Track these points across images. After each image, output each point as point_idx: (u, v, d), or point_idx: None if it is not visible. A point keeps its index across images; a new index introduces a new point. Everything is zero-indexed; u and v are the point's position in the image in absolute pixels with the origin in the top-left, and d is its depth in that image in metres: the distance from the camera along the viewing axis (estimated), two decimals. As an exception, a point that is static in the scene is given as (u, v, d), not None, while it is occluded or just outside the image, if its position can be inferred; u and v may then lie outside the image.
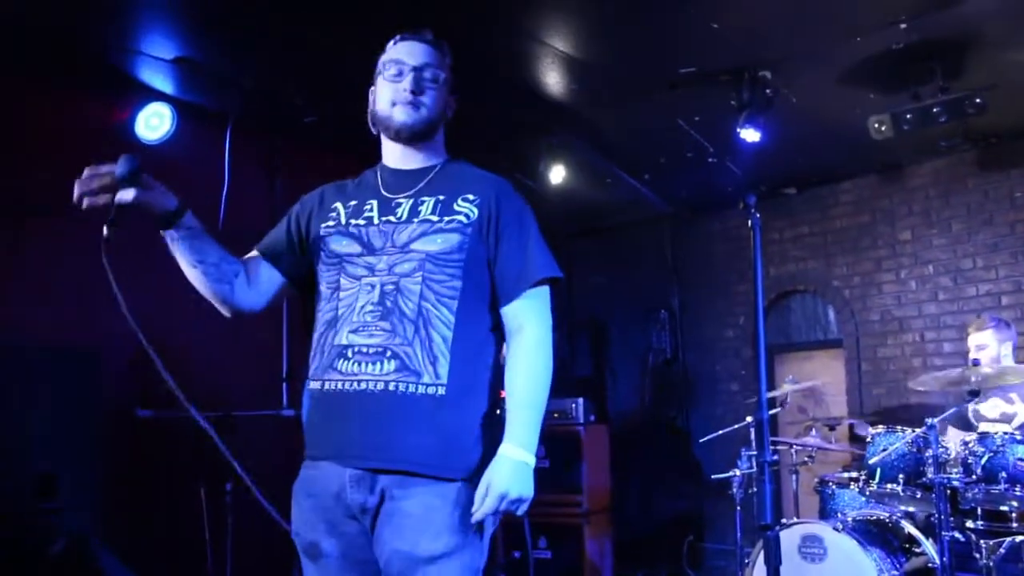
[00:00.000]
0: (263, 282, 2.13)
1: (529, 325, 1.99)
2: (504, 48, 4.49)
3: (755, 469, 4.62)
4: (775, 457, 4.37)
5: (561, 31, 4.31)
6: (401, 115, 2.04)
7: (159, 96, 4.78)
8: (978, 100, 4.39)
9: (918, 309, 6.04)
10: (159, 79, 4.73)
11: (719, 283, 7.19)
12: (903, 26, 4.12)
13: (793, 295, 6.88)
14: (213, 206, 4.97)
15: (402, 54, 2.07)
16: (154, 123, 4.76)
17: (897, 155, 5.94)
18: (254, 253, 2.16)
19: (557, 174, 5.90)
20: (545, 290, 2.03)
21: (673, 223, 7.42)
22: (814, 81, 4.81)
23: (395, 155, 2.13)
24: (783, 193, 6.71)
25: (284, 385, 5.23)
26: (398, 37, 2.13)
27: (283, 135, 5.31)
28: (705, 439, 5.06)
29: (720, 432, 4.98)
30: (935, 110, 4.49)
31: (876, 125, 4.74)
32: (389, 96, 2.06)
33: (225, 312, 2.12)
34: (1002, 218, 5.70)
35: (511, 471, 1.85)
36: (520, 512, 1.88)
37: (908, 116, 4.57)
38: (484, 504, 1.83)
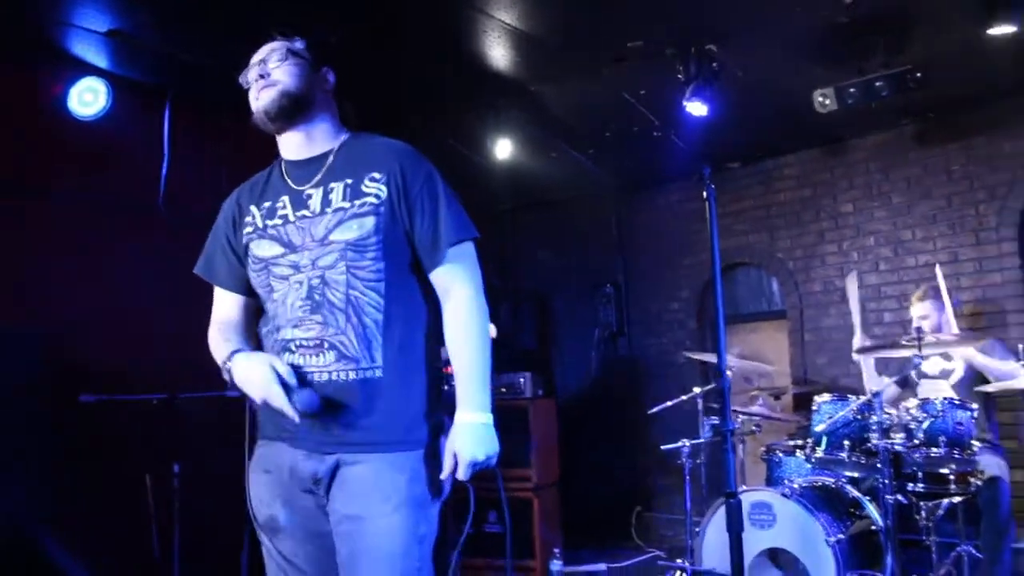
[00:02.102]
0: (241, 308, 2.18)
1: (456, 287, 2.03)
2: (450, 21, 4.44)
3: (703, 440, 4.70)
4: (737, 425, 4.45)
5: (506, 3, 4.27)
6: (258, 103, 2.05)
7: (93, 71, 4.63)
8: (919, 75, 4.47)
9: (860, 280, 6.15)
10: (92, 53, 4.58)
11: (664, 257, 7.25)
12: (848, 0, 4.16)
13: (738, 268, 6.97)
14: (152, 185, 4.85)
15: (252, 60, 2.11)
16: (87, 99, 4.64)
17: (840, 129, 6.03)
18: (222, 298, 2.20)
19: (503, 148, 5.87)
20: (467, 248, 2.06)
21: (618, 197, 7.45)
22: (760, 55, 4.85)
23: (289, 146, 2.13)
24: (727, 167, 6.77)
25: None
26: None
27: (224, 111, 5.17)
28: (653, 411, 5.09)
29: (668, 403, 5.03)
30: (878, 84, 4.56)
31: (820, 99, 4.80)
32: (251, 99, 2.08)
33: None
34: (940, 191, 5.82)
35: (472, 436, 1.93)
36: (492, 465, 1.95)
37: (852, 90, 4.64)
38: (457, 473, 1.91)
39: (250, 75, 2.07)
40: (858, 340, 4.85)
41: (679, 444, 4.57)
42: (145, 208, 4.80)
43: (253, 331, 2.12)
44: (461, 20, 4.43)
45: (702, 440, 4.73)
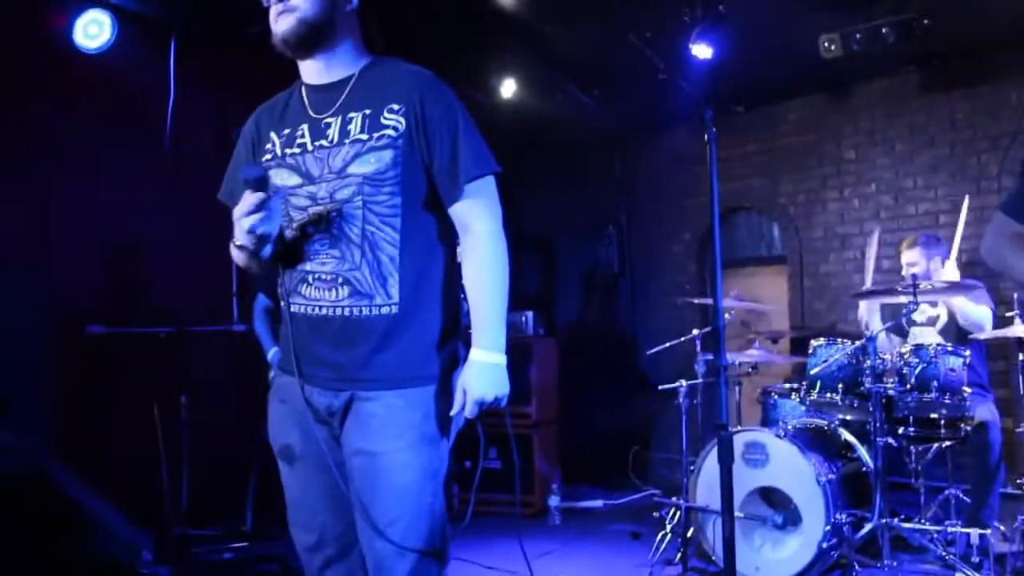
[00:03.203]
0: None
1: (475, 221, 2.00)
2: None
3: (701, 378, 4.79)
4: (732, 361, 4.52)
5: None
6: (277, 29, 1.99)
7: (97, 2, 4.60)
8: (925, 21, 4.48)
9: (860, 227, 6.19)
10: (96, -16, 4.54)
11: (667, 199, 7.27)
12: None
13: (739, 212, 7.00)
14: (158, 120, 4.85)
15: None
16: (92, 31, 4.60)
17: (843, 75, 6.00)
18: None
19: (508, 88, 5.87)
20: (488, 182, 2.02)
21: (623, 139, 7.44)
22: (766, -2, 4.83)
23: (309, 71, 2.08)
24: (732, 111, 6.75)
25: (234, 300, 5.22)
26: None
27: (230, 46, 5.14)
28: (652, 351, 5.16)
29: (667, 344, 5.10)
30: (884, 30, 4.57)
31: (826, 44, 4.81)
32: (271, 22, 2.01)
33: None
34: (943, 139, 5.83)
35: (483, 375, 1.93)
36: (503, 405, 1.97)
37: (858, 36, 4.65)
38: (465, 410, 1.93)
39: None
40: (864, 307, 4.89)
41: (676, 384, 4.64)
42: (151, 143, 4.80)
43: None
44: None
45: (699, 381, 4.81)
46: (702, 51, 4.84)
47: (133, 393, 4.48)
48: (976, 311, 4.43)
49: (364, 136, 1.95)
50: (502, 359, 1.97)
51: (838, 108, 6.35)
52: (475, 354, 1.96)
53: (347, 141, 1.96)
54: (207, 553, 4.41)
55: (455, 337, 2.06)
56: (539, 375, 5.90)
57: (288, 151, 2.02)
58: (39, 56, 4.48)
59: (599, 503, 5.85)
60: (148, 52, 4.82)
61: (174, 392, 4.33)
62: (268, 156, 2.05)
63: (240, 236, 1.91)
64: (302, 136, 2.02)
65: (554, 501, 5.46)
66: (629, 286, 7.54)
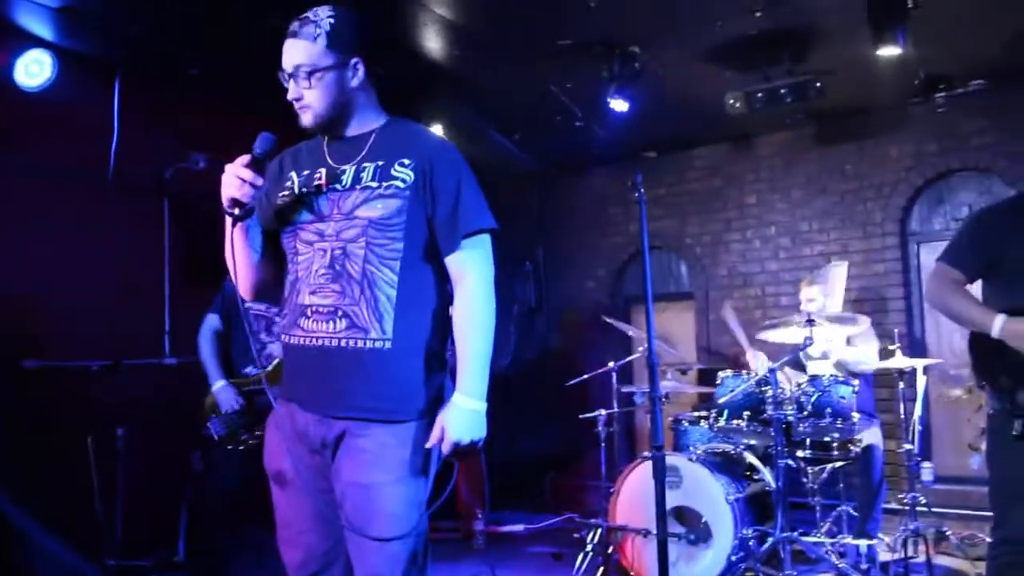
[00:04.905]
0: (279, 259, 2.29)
1: (467, 274, 2.14)
2: (388, 9, 4.60)
3: (617, 410, 5.11)
4: (665, 392, 4.87)
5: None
6: (302, 120, 2.18)
7: (39, 43, 4.69)
8: (818, 84, 4.96)
9: (761, 266, 6.69)
10: (38, 25, 4.62)
11: (582, 238, 7.64)
12: (758, 14, 4.60)
13: (650, 251, 7.37)
14: (98, 156, 4.94)
15: (283, 59, 2.15)
16: (34, 70, 4.66)
17: (747, 127, 6.52)
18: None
19: (435, 131, 6.14)
20: (483, 239, 2.18)
21: (541, 180, 7.78)
22: (678, 58, 5.25)
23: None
24: (644, 156, 7.21)
25: (166, 337, 5.29)
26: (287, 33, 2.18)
27: (170, 87, 5.29)
28: (572, 382, 5.37)
29: (585, 376, 5.36)
30: (782, 91, 5.03)
31: (731, 102, 5.24)
32: (293, 104, 2.19)
33: (247, 293, 2.26)
34: (834, 187, 6.39)
35: (462, 420, 2.06)
36: (479, 447, 2.11)
37: (759, 95, 5.10)
38: (442, 448, 2.08)
39: (286, 84, 2.16)
40: (751, 355, 5.35)
41: (596, 413, 4.95)
42: (93, 179, 4.85)
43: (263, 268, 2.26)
44: (400, 10, 4.62)
45: (615, 410, 5.11)
46: (619, 105, 5.21)
47: (68, 425, 4.48)
48: (856, 356, 4.93)
49: (374, 184, 2.11)
50: (482, 406, 2.10)
51: (741, 156, 6.84)
52: (457, 398, 2.09)
53: (358, 187, 2.13)
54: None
55: (443, 376, 2.19)
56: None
57: (304, 189, 2.19)
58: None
59: (521, 527, 6.11)
60: (89, 90, 4.90)
61: (109, 424, 4.35)
62: (286, 192, 2.22)
63: (227, 187, 2.04)
64: (319, 179, 2.19)
65: (479, 526, 5.70)
66: (545, 320, 7.85)
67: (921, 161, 6.02)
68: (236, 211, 2.06)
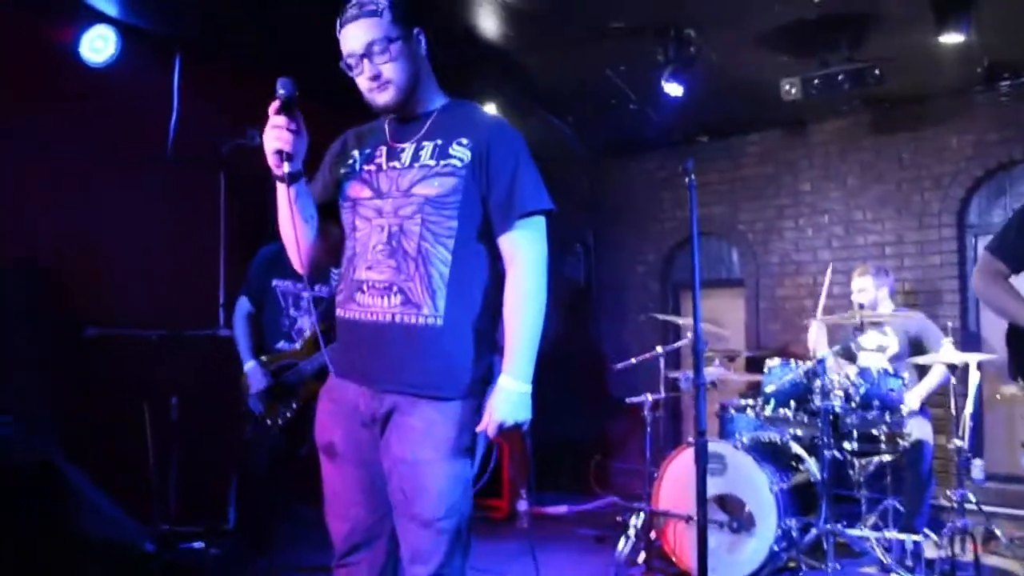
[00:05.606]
0: (332, 234, 2.34)
1: (520, 255, 2.15)
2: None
3: (663, 395, 5.10)
4: (711, 379, 4.86)
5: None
6: (378, 100, 2.19)
7: (103, 19, 4.79)
8: (877, 71, 4.86)
9: (813, 255, 6.61)
10: (103, 2, 4.74)
11: (632, 222, 7.61)
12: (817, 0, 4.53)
13: (700, 237, 7.33)
14: (158, 131, 5.06)
15: (347, 45, 2.16)
16: (98, 45, 4.78)
17: (802, 113, 6.42)
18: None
19: (488, 111, 6.14)
20: (538, 220, 2.20)
21: (593, 163, 7.74)
22: (733, 42, 5.19)
23: None
24: (696, 140, 7.15)
25: (220, 309, 5.41)
26: (339, 23, 2.18)
27: (228, 64, 5.38)
28: (620, 366, 5.32)
29: (633, 360, 5.34)
30: (840, 78, 4.94)
31: (787, 88, 5.17)
32: (362, 88, 2.20)
33: (301, 266, 2.28)
34: (890, 176, 6.26)
35: (508, 401, 2.08)
36: (524, 429, 2.12)
37: (816, 82, 5.01)
38: (487, 429, 2.10)
39: (356, 70, 2.17)
40: (815, 326, 5.28)
41: (642, 397, 4.95)
42: (153, 153, 4.98)
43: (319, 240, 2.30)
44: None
45: (662, 395, 5.10)
46: (673, 89, 5.17)
47: (125, 393, 4.63)
48: (934, 379, 4.89)
49: (432, 162, 2.15)
50: (527, 388, 2.11)
51: (796, 143, 6.74)
52: (503, 380, 2.10)
53: (416, 165, 2.17)
54: (192, 550, 4.58)
55: (492, 356, 2.21)
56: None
57: (365, 167, 2.24)
58: (45, 68, 4.66)
59: (564, 509, 6.15)
60: (151, 67, 5.02)
61: (165, 393, 4.48)
62: (346, 169, 2.28)
63: (268, 141, 2.08)
64: (379, 157, 2.24)
65: (522, 506, 5.76)
66: (594, 302, 7.86)
67: (982, 151, 5.87)
68: (284, 168, 2.09)
